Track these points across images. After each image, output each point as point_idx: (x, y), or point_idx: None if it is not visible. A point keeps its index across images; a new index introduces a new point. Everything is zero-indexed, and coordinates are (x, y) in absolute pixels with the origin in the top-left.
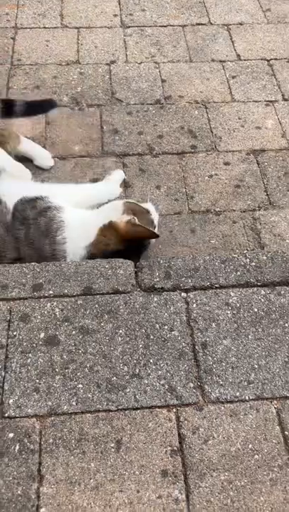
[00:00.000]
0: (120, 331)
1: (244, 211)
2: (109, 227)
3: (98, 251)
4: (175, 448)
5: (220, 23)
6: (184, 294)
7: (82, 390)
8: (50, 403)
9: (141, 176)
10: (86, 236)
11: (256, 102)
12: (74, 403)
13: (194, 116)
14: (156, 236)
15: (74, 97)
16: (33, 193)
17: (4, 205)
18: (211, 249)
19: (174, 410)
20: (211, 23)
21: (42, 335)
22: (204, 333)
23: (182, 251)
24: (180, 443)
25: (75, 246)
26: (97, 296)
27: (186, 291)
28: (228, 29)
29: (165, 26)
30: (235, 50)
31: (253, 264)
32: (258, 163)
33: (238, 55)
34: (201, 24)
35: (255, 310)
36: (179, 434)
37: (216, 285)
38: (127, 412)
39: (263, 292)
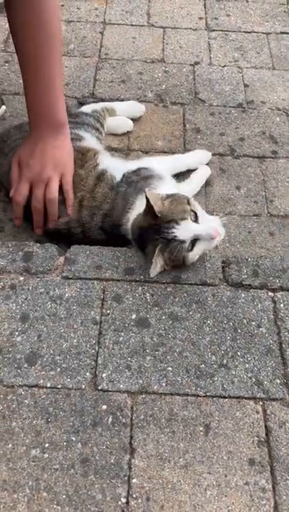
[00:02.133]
0: (208, 322)
1: None
2: None
3: None
4: (262, 439)
5: None
6: (271, 294)
7: (171, 373)
8: (140, 381)
9: (221, 175)
10: None
11: None
12: (164, 384)
13: (276, 123)
14: None
15: (158, 93)
16: (135, 165)
17: (111, 177)
18: None
19: (261, 403)
20: None
21: (134, 316)
22: None
23: (260, 252)
24: (266, 435)
25: None
26: (186, 285)
27: (274, 290)
28: None
29: (249, 32)
30: None
31: None
32: None
33: None
34: (286, 33)
35: None
36: (266, 427)
37: None
38: (214, 399)
39: None
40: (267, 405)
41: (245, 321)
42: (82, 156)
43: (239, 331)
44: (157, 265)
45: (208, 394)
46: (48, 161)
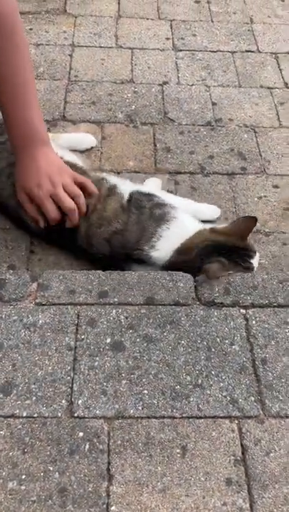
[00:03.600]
0: (182, 342)
1: None
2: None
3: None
4: (238, 458)
5: (268, 51)
6: (243, 311)
7: (147, 396)
8: (117, 406)
9: (192, 193)
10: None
11: None
12: (140, 408)
13: (244, 140)
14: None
15: (128, 114)
16: (146, 189)
17: (121, 194)
18: (261, 268)
19: (236, 422)
20: (260, 51)
21: (108, 340)
22: (264, 350)
23: None
24: (243, 453)
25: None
26: (160, 306)
27: (245, 307)
28: (276, 57)
29: (215, 51)
30: (283, 77)
31: None
32: None
33: (286, 83)
34: (250, 51)
35: None
36: (242, 445)
37: (275, 304)
38: (191, 420)
39: None
40: (242, 423)
41: (218, 339)
42: (79, 170)
43: (213, 349)
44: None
45: (184, 415)
46: (50, 172)
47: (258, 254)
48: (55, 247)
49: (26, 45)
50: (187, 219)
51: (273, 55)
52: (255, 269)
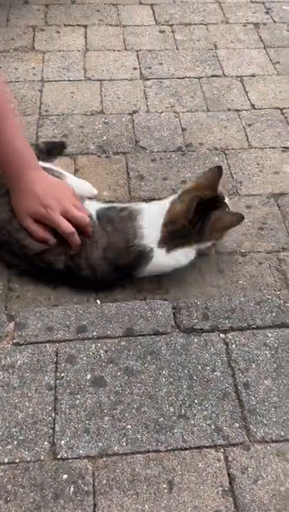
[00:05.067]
0: (164, 372)
1: (269, 252)
2: None
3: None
4: (226, 488)
5: (233, 75)
6: (222, 335)
7: (131, 431)
8: (100, 444)
9: None
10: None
11: (273, 148)
12: (124, 444)
13: (215, 163)
14: None
15: (100, 145)
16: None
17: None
18: (240, 289)
19: (222, 450)
20: (225, 75)
21: (89, 376)
22: (245, 374)
23: (212, 291)
24: (230, 483)
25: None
26: (139, 337)
27: (225, 332)
28: (242, 80)
29: (182, 78)
30: (249, 100)
31: (287, 305)
32: (279, 206)
33: (253, 105)
34: (216, 76)
35: None
36: (229, 475)
37: (253, 326)
38: (176, 452)
39: None
40: (228, 452)
41: (199, 366)
42: None
43: (195, 377)
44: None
45: (169, 448)
46: (55, 192)
47: (228, 200)
48: (36, 278)
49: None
50: (151, 203)
51: (238, 79)
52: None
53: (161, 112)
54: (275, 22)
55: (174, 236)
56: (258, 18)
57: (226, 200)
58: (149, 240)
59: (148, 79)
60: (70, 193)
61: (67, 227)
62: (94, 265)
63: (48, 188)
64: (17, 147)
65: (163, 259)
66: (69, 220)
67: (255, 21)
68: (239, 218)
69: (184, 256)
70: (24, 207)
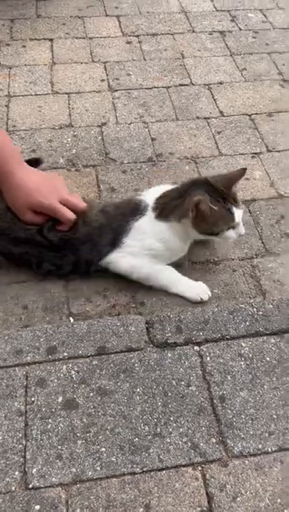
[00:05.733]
0: (138, 390)
1: (242, 259)
2: None
3: None
4: (204, 508)
5: (201, 83)
6: (196, 348)
7: (105, 454)
8: (74, 470)
9: None
10: None
11: (242, 154)
12: (98, 468)
13: (185, 171)
14: None
15: (69, 158)
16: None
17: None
18: (215, 298)
19: (200, 468)
20: (193, 84)
21: (60, 399)
22: (221, 386)
23: (187, 302)
24: (209, 502)
25: None
26: (112, 355)
27: (199, 344)
28: (210, 88)
29: (150, 88)
30: (217, 107)
31: (260, 313)
32: (251, 212)
33: (221, 112)
34: (184, 85)
35: (268, 359)
36: (207, 493)
37: (227, 336)
38: (152, 473)
39: (272, 341)
40: (206, 469)
41: (174, 382)
42: None
43: (169, 394)
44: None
45: (144, 469)
46: (49, 183)
47: (241, 210)
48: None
49: None
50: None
51: (206, 86)
52: (239, 224)
53: (130, 123)
54: (240, 29)
55: (164, 206)
56: (224, 26)
57: (237, 209)
58: (147, 200)
59: (116, 90)
60: (61, 181)
61: (71, 215)
62: (91, 221)
63: (42, 180)
64: (2, 143)
65: (150, 224)
66: (68, 207)
67: (221, 29)
68: (199, 201)
69: (168, 230)
70: (22, 202)
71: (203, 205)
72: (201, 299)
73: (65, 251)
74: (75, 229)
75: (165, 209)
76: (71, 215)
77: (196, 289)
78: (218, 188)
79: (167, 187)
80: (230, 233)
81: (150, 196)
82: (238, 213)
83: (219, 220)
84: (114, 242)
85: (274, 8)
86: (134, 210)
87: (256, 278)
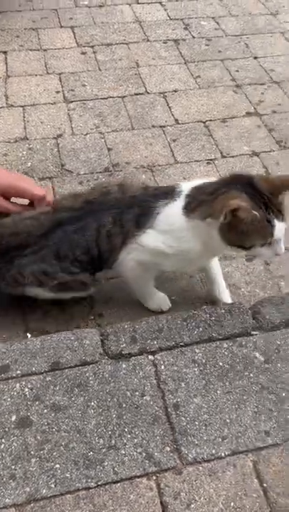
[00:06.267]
0: (92, 403)
1: None
2: None
3: None
4: None
5: (156, 92)
6: (151, 357)
7: (59, 471)
8: (28, 489)
9: None
10: None
11: (198, 161)
12: (53, 485)
13: (142, 181)
14: None
15: (25, 171)
16: None
17: None
18: (174, 305)
19: (154, 478)
20: (148, 92)
21: (13, 418)
22: (175, 394)
23: (144, 311)
24: (163, 511)
25: None
26: (66, 370)
27: (153, 353)
28: (165, 96)
29: (106, 98)
30: (172, 115)
31: (213, 318)
32: None
33: (176, 120)
34: (139, 94)
35: (221, 364)
36: (162, 503)
37: (181, 343)
38: (107, 486)
39: (225, 345)
40: (160, 478)
41: (128, 393)
42: None
43: (124, 405)
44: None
45: (99, 483)
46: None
47: (284, 224)
48: None
49: None
50: None
51: (161, 95)
52: (278, 241)
53: (86, 134)
54: (194, 37)
55: (193, 199)
56: (178, 35)
57: (280, 222)
58: (184, 187)
59: (72, 101)
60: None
61: (40, 189)
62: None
63: (6, 172)
64: None
65: (176, 210)
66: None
67: (175, 38)
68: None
69: (188, 230)
70: None
71: (243, 212)
72: (162, 309)
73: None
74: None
75: (192, 202)
76: (40, 191)
77: (159, 300)
78: (263, 191)
79: (212, 179)
80: (265, 251)
81: (189, 185)
82: (280, 227)
83: (255, 231)
84: (138, 223)
85: (226, 15)
86: (167, 193)
87: None
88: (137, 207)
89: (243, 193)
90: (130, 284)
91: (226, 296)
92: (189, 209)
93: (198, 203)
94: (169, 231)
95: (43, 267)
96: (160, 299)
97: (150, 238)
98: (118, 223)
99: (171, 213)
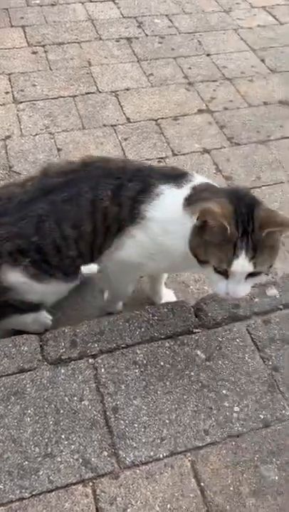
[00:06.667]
0: (29, 411)
1: None
2: None
3: None
4: None
5: (108, 91)
6: (91, 360)
7: None
8: None
9: None
10: None
11: (149, 159)
12: None
13: None
14: None
15: None
16: None
17: None
18: (124, 306)
19: (90, 484)
20: (100, 91)
21: None
22: (114, 397)
23: (94, 313)
24: None
25: None
26: (3, 378)
27: (94, 356)
28: (116, 95)
29: (56, 98)
30: (124, 114)
31: (156, 318)
32: None
33: (128, 118)
34: (91, 93)
35: (162, 364)
36: (97, 509)
37: (123, 345)
38: (41, 496)
39: (167, 344)
40: (96, 484)
41: (67, 398)
42: None
43: (62, 411)
44: None
45: (34, 493)
46: None
47: (250, 267)
48: None
49: None
50: None
51: (113, 94)
52: (234, 277)
53: (35, 135)
54: (147, 35)
55: (196, 191)
56: (131, 33)
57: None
58: (194, 178)
59: (21, 102)
60: None
61: None
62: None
63: None
64: None
65: (177, 199)
66: None
67: (128, 36)
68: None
69: (180, 224)
70: None
71: (212, 216)
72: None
73: None
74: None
75: (194, 195)
76: None
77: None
78: (254, 218)
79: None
80: (216, 278)
81: (201, 179)
82: (242, 264)
83: (215, 246)
84: (134, 207)
85: (180, 13)
86: (177, 177)
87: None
88: (140, 182)
89: (231, 204)
90: (110, 281)
91: (166, 299)
92: (189, 201)
93: (198, 198)
94: (160, 220)
95: (18, 242)
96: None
97: (140, 232)
98: (116, 201)
99: (172, 200)
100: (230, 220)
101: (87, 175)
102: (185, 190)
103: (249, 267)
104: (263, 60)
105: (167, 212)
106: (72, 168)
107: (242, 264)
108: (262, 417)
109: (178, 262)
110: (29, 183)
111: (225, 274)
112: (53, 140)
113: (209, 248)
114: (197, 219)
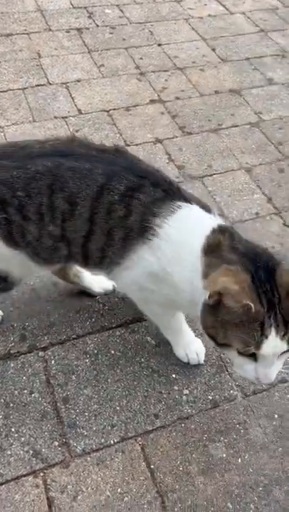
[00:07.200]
0: None
1: None
2: None
3: None
4: None
5: (58, 82)
6: (41, 353)
7: None
8: None
9: None
10: None
11: None
12: None
13: None
14: None
15: None
16: None
17: None
18: (76, 297)
19: (41, 474)
20: (50, 83)
21: None
22: (65, 388)
23: (47, 306)
24: (50, 506)
25: None
26: None
27: (44, 349)
28: (67, 87)
29: (5, 91)
30: (76, 105)
31: (107, 307)
32: None
33: (79, 110)
34: (41, 85)
35: (112, 352)
36: (48, 498)
37: (73, 336)
38: None
39: (118, 333)
40: (47, 474)
41: (16, 392)
42: None
43: (11, 405)
44: None
45: None
46: None
47: (286, 345)
48: None
49: None
50: None
51: (64, 85)
52: (267, 361)
53: None
54: (98, 26)
55: (216, 242)
56: (81, 24)
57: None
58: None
59: None
60: None
61: None
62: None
63: None
64: None
65: (196, 225)
66: None
67: (78, 26)
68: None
69: (190, 265)
70: None
71: (230, 298)
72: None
73: None
74: None
75: (213, 245)
76: None
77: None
78: (278, 285)
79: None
80: (241, 362)
81: (219, 221)
82: (276, 345)
83: (239, 327)
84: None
85: (131, 3)
86: (202, 206)
87: None
88: (163, 190)
89: (246, 272)
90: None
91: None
92: (207, 249)
93: (212, 255)
94: (175, 241)
95: (3, 190)
96: (194, 345)
97: (148, 252)
98: (126, 200)
99: (194, 223)
100: (252, 296)
101: (111, 160)
102: (207, 229)
103: (282, 346)
104: (213, 50)
105: (186, 235)
106: (99, 148)
107: (273, 344)
108: (210, 398)
109: (178, 302)
110: (51, 142)
111: (253, 356)
112: (2, 134)
113: (229, 329)
114: (209, 297)
